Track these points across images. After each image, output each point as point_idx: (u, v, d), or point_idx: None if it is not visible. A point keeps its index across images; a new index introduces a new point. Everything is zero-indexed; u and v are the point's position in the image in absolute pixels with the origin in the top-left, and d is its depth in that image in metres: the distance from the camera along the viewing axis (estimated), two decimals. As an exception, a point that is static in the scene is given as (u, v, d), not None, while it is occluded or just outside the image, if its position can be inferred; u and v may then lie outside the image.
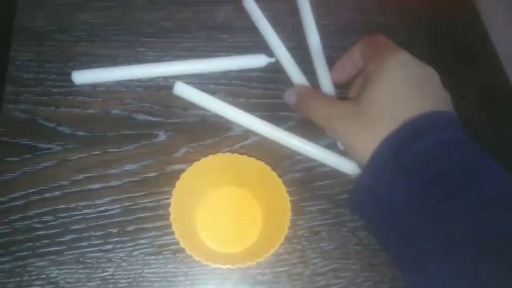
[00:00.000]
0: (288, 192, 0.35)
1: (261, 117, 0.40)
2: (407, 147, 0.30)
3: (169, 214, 0.34)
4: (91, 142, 0.39)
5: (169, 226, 0.34)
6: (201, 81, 0.42)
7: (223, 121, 0.41)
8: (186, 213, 0.36)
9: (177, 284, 0.35)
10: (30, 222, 0.36)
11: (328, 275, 0.36)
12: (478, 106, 0.44)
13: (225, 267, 0.32)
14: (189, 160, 0.38)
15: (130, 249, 0.36)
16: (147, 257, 0.35)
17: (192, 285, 0.35)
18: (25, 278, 0.34)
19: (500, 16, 0.48)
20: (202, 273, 0.35)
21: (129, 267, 0.35)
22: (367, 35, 0.38)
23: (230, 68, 0.43)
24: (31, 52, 0.42)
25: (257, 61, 0.43)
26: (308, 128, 0.40)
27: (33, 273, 0.34)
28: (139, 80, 0.42)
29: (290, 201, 0.34)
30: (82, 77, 0.40)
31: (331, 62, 0.42)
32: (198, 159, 0.36)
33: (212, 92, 0.41)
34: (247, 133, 0.40)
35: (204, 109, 0.41)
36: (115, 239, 0.36)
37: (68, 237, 0.36)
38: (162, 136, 0.40)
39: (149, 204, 0.37)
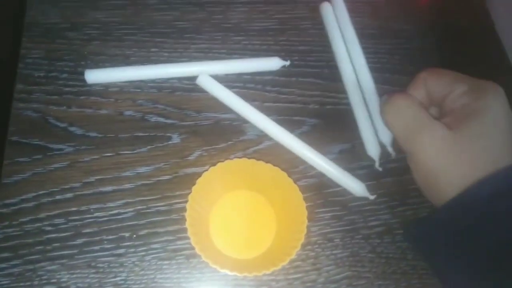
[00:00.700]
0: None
1: (275, 121, 0.40)
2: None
3: (182, 219, 0.33)
4: (104, 143, 0.38)
5: (182, 230, 0.34)
6: (215, 83, 0.41)
7: (237, 124, 0.40)
8: (200, 218, 0.35)
9: (191, 290, 0.34)
10: (40, 224, 0.35)
11: (342, 282, 0.36)
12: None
13: (241, 275, 0.32)
14: (202, 163, 0.37)
15: (143, 253, 0.35)
16: (160, 262, 0.35)
17: (205, 291, 0.35)
18: (35, 282, 0.33)
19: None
20: (215, 279, 0.35)
21: (142, 272, 0.35)
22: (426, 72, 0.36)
23: (244, 71, 0.42)
24: (42, 50, 0.41)
25: (271, 64, 0.42)
26: (321, 133, 0.40)
27: (44, 277, 0.34)
28: (152, 81, 0.41)
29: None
30: (95, 76, 0.40)
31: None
32: (212, 163, 0.35)
33: (226, 95, 0.40)
34: (261, 137, 0.40)
35: (218, 111, 0.40)
36: (128, 243, 0.35)
37: (79, 241, 0.35)
38: (175, 139, 0.39)
39: (162, 208, 0.37)
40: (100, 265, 0.34)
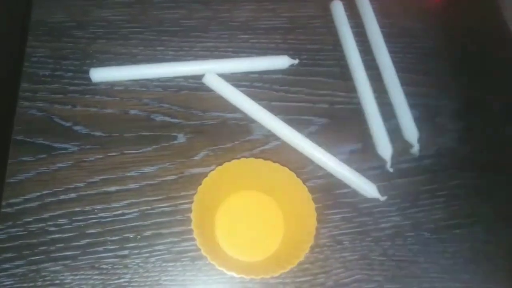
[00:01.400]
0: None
1: (283, 120, 0.39)
2: None
3: (187, 220, 0.33)
4: (108, 143, 0.38)
5: (187, 232, 0.33)
6: (221, 82, 0.41)
7: (244, 124, 0.40)
8: (206, 219, 0.35)
9: (196, 293, 0.34)
10: (44, 225, 0.35)
11: (351, 286, 0.35)
12: (508, 114, 0.43)
13: (248, 278, 0.31)
14: (208, 163, 0.37)
15: (147, 255, 0.35)
16: (164, 264, 0.34)
17: (211, 294, 0.34)
18: (39, 283, 0.33)
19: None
20: (221, 282, 0.34)
21: (146, 274, 0.34)
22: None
23: (251, 69, 0.42)
24: (48, 48, 0.41)
25: (280, 62, 0.42)
26: (330, 133, 0.40)
27: (47, 278, 0.33)
28: (158, 80, 0.41)
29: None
30: (100, 75, 0.40)
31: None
32: (218, 163, 0.34)
33: (233, 94, 0.40)
34: (268, 137, 0.39)
35: (224, 111, 0.40)
36: (132, 244, 0.35)
37: (83, 242, 0.35)
38: (181, 138, 0.39)
39: (166, 209, 0.36)
40: (104, 266, 0.34)
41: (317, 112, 0.41)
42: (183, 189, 0.37)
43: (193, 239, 0.32)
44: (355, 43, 0.43)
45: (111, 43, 0.42)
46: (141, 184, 0.37)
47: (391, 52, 0.43)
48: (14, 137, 0.38)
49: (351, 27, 0.44)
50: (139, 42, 0.42)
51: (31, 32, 0.42)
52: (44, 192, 0.36)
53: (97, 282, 0.33)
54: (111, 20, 0.43)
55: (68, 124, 0.38)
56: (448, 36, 0.46)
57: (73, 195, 0.36)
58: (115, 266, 0.34)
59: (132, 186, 0.37)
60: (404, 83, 0.42)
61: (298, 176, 0.34)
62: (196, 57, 0.42)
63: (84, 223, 0.35)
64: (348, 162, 0.38)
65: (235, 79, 0.41)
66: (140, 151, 0.38)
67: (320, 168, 0.39)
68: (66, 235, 0.35)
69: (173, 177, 0.37)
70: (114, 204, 0.36)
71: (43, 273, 0.33)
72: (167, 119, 0.39)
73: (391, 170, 0.39)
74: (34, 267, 0.34)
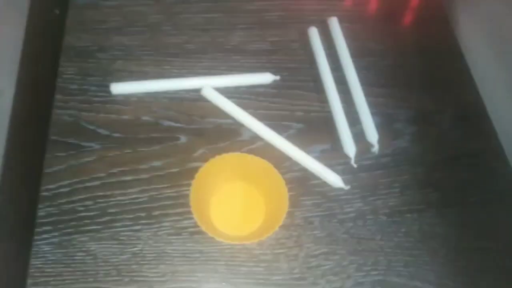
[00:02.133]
0: (288, 188, 0.41)
1: (266, 125, 0.47)
2: None
3: (188, 203, 0.40)
4: (125, 142, 0.46)
5: (188, 212, 0.40)
6: (216, 94, 0.49)
7: (234, 127, 0.48)
8: (202, 202, 0.42)
9: (194, 260, 0.41)
10: (74, 205, 0.43)
11: (320, 257, 0.42)
12: (454, 121, 0.50)
13: (234, 243, 0.38)
14: (205, 159, 0.44)
15: (156, 230, 0.42)
16: (169, 237, 0.42)
17: (206, 260, 0.41)
18: (70, 249, 0.41)
19: (476, 43, 0.55)
20: (214, 252, 0.42)
21: (155, 244, 0.42)
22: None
23: (241, 84, 0.50)
24: (76, 68, 0.50)
25: (264, 78, 0.50)
26: (305, 136, 0.48)
27: (77, 246, 0.41)
28: (165, 92, 0.49)
29: (289, 195, 0.41)
30: (118, 88, 0.48)
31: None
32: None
33: (225, 104, 0.48)
34: (254, 138, 0.47)
35: (218, 117, 0.48)
36: (143, 221, 0.43)
37: (105, 219, 0.42)
38: (183, 139, 0.47)
39: (171, 194, 0.44)
40: (121, 238, 0.42)
41: (294, 118, 0.49)
42: (184, 178, 0.44)
43: (192, 218, 0.39)
44: (328, 62, 0.51)
45: (127, 63, 0.50)
46: (151, 175, 0.45)
47: (357, 68, 0.51)
48: (50, 137, 0.46)
49: (325, 49, 0.52)
50: (150, 62, 0.51)
51: (63, 54, 0.51)
52: (74, 180, 0.44)
53: (116, 250, 0.41)
54: (128, 44, 0.52)
55: (92, 127, 0.47)
56: (405, 55, 0.54)
57: (96, 182, 0.44)
58: (130, 238, 0.42)
59: (143, 176, 0.45)
60: (367, 94, 0.49)
61: (277, 170, 0.42)
62: (196, 74, 0.50)
63: (105, 204, 0.43)
64: (319, 159, 0.46)
65: (228, 92, 0.49)
66: (150, 149, 0.46)
67: (296, 163, 0.46)
68: (91, 213, 0.42)
69: (177, 169, 0.45)
70: (130, 190, 0.44)
71: (73, 242, 0.41)
72: (172, 123, 0.48)
73: (355, 165, 0.46)
74: (66, 238, 0.41)
